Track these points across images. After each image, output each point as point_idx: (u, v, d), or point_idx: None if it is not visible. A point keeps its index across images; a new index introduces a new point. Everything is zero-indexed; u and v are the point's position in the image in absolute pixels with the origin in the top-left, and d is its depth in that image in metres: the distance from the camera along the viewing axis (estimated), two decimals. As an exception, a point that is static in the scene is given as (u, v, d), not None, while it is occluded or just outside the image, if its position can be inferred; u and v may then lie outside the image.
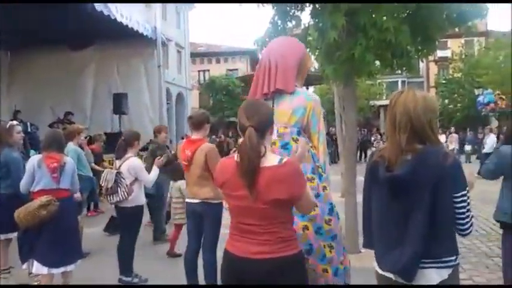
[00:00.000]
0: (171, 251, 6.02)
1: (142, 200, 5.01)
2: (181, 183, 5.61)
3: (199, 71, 38.24)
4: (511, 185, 3.67)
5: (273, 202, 2.06)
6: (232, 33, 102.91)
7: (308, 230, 3.12)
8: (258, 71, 3.39)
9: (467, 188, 2.07)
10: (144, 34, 14.28)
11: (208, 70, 38.21)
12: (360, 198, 2.54)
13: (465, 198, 2.05)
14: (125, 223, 4.98)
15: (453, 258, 2.05)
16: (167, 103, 19.68)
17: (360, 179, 3.26)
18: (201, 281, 4.18)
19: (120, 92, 15.16)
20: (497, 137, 14.76)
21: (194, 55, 33.60)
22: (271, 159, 2.11)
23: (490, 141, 14.49)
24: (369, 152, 20.31)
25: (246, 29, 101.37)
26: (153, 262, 5.60)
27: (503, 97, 13.71)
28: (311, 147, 3.30)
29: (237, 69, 37.87)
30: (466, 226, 2.07)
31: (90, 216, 8.78)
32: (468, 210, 2.06)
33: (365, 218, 2.32)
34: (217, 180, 2.26)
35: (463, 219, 2.06)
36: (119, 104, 14.52)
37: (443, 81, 35.71)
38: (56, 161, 4.18)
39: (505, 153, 3.71)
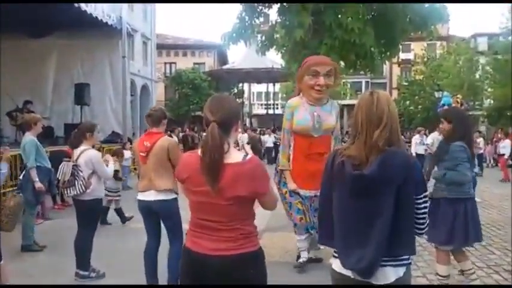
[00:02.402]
0: None
1: (101, 193, 4.91)
2: None
3: (165, 63, 37.71)
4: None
5: (235, 199, 2.06)
6: (200, 26, 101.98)
7: None
8: None
9: (427, 191, 2.16)
10: (109, 24, 13.93)
11: (175, 63, 37.72)
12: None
13: (426, 199, 2.12)
14: (82, 216, 4.86)
15: (409, 256, 2.11)
16: (131, 95, 19.36)
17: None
18: (162, 273, 4.15)
19: (82, 82, 14.79)
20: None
21: (160, 47, 33.02)
22: (234, 156, 2.09)
23: (414, 141, 14.86)
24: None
25: (213, 23, 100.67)
26: (111, 256, 5.49)
27: (458, 100, 14.12)
28: None
29: (204, 63, 37.60)
30: (424, 226, 2.14)
31: (57, 210, 8.58)
32: (426, 212, 2.13)
33: (323, 214, 2.29)
34: (179, 175, 2.23)
35: (422, 219, 2.13)
36: (81, 94, 14.15)
37: (406, 83, 36.58)
38: None
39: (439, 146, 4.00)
